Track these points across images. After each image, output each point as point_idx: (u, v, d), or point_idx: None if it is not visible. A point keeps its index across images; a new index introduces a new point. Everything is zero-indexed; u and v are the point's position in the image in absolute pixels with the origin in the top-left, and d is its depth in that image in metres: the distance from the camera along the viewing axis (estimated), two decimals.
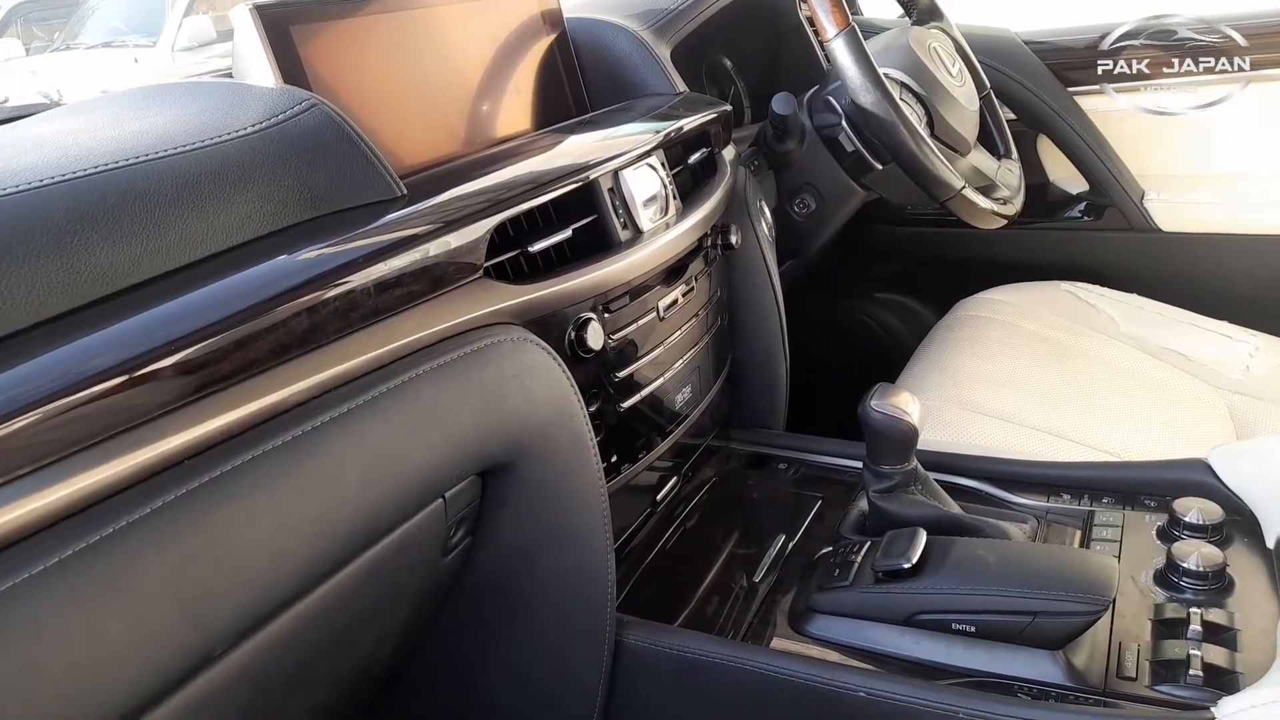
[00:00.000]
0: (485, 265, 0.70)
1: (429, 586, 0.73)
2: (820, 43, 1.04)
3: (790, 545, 0.96)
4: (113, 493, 0.45)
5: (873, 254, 1.73)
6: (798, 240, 1.28)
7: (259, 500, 0.50)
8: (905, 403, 0.91)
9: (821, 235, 1.29)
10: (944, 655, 0.77)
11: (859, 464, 0.95)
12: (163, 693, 0.49)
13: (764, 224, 1.10)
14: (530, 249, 0.74)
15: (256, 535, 0.50)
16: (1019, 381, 1.24)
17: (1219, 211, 1.52)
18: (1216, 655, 0.70)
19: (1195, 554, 0.78)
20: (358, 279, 0.58)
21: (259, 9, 0.72)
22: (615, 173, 0.83)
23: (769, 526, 1.00)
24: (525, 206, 0.72)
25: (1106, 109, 1.54)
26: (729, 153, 1.07)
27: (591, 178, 0.80)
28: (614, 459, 0.85)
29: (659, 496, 0.99)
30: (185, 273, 0.54)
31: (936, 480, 0.95)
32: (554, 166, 0.79)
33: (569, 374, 0.73)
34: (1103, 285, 1.52)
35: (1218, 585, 0.77)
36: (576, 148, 0.87)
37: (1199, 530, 0.83)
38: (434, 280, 0.64)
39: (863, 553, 0.86)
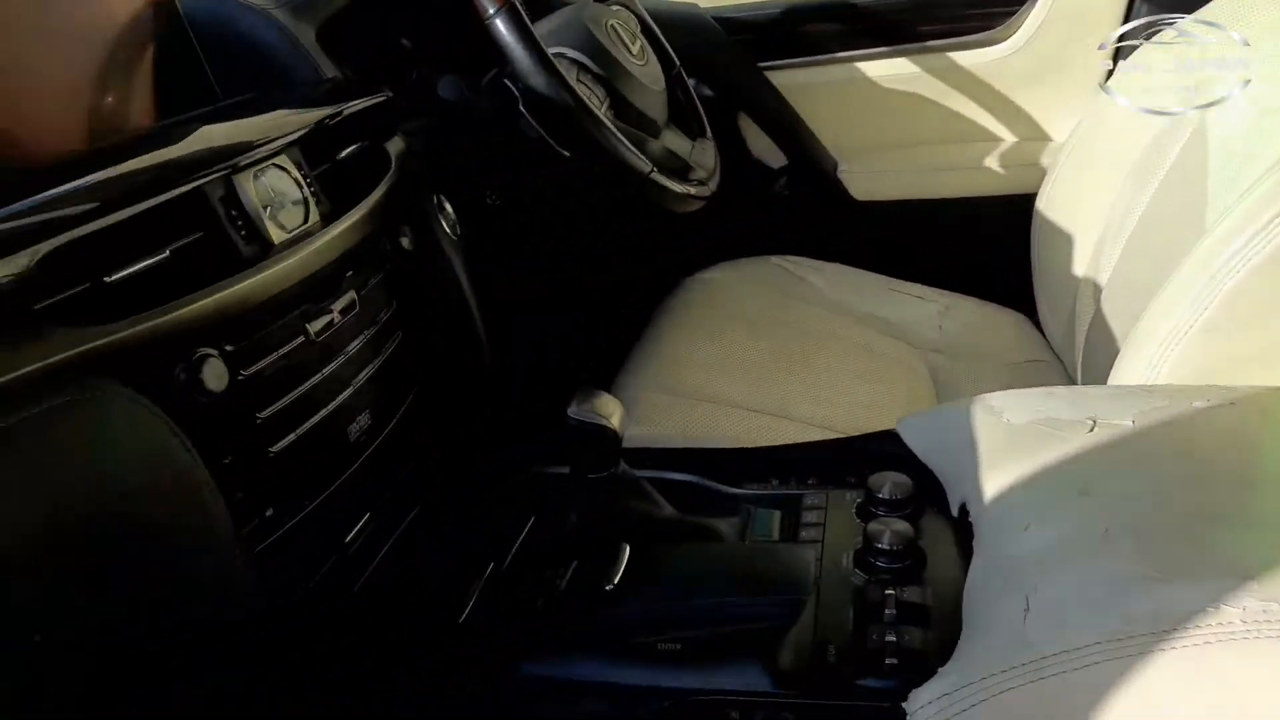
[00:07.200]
0: (40, 306, 0.55)
1: None
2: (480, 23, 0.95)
3: (500, 573, 0.88)
4: None
5: (586, 239, 1.67)
6: (496, 235, 1.19)
7: None
8: (605, 406, 0.85)
9: (520, 228, 1.20)
10: (654, 678, 0.71)
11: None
12: None
13: (444, 222, 1.00)
14: (107, 279, 0.60)
15: None
16: (732, 361, 1.23)
17: (905, 179, 1.59)
18: (913, 637, 0.69)
19: (887, 531, 0.77)
20: None
21: None
22: (229, 178, 0.70)
23: (476, 554, 0.91)
24: (89, 228, 0.58)
25: (794, 83, 1.57)
26: (395, 145, 0.96)
27: (192, 187, 0.66)
28: (269, 513, 0.73)
29: (349, 539, 0.87)
30: None
31: (648, 477, 0.90)
32: (140, 174, 0.65)
33: (175, 428, 0.59)
34: (810, 257, 1.56)
35: (910, 561, 0.77)
36: (180, 149, 0.73)
37: (892, 505, 0.83)
38: None
39: (568, 577, 0.79)
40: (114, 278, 0.60)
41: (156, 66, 0.85)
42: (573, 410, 0.83)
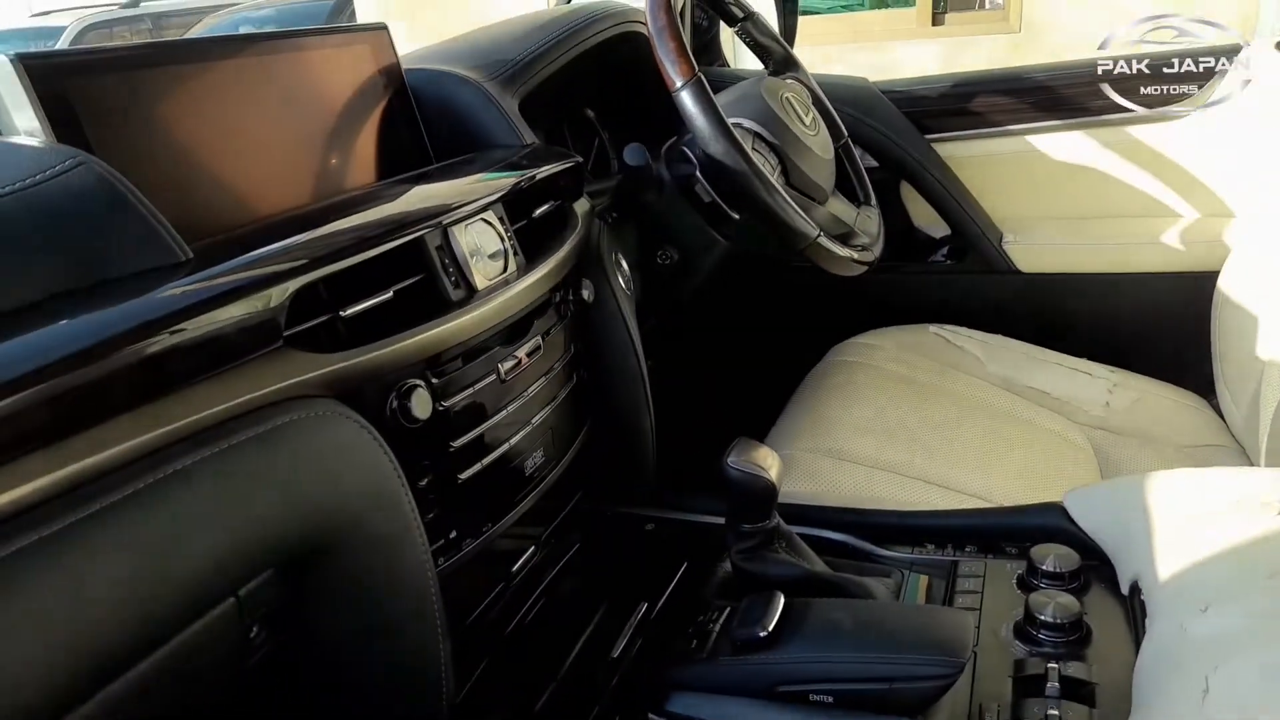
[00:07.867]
0: (288, 333, 0.64)
1: (231, 693, 0.65)
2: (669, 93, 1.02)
3: (653, 613, 0.92)
4: None
5: (747, 300, 1.72)
6: (666, 293, 1.25)
7: None
8: (764, 458, 0.88)
9: (689, 287, 1.26)
10: None
11: None
12: None
13: (620, 278, 1.06)
14: (343, 313, 0.68)
15: None
16: (888, 426, 1.24)
17: (1072, 252, 1.56)
18: (1076, 714, 0.68)
19: (1051, 604, 0.76)
20: (117, 355, 0.51)
21: (23, 59, 0.65)
22: (444, 229, 0.78)
23: (632, 593, 0.95)
24: (332, 269, 0.66)
25: (961, 154, 1.58)
26: (581, 205, 1.04)
27: (415, 236, 0.75)
28: (453, 535, 0.79)
29: (514, 568, 0.93)
30: None
31: (802, 534, 0.92)
32: (371, 224, 0.74)
33: (387, 449, 0.67)
34: (969, 326, 1.54)
35: (1075, 636, 0.75)
36: (403, 204, 0.82)
37: (1056, 578, 0.82)
38: (219, 353, 0.58)
39: (721, 620, 0.81)
40: (348, 312, 0.69)
41: (380, 131, 0.96)
42: (731, 460, 0.86)
